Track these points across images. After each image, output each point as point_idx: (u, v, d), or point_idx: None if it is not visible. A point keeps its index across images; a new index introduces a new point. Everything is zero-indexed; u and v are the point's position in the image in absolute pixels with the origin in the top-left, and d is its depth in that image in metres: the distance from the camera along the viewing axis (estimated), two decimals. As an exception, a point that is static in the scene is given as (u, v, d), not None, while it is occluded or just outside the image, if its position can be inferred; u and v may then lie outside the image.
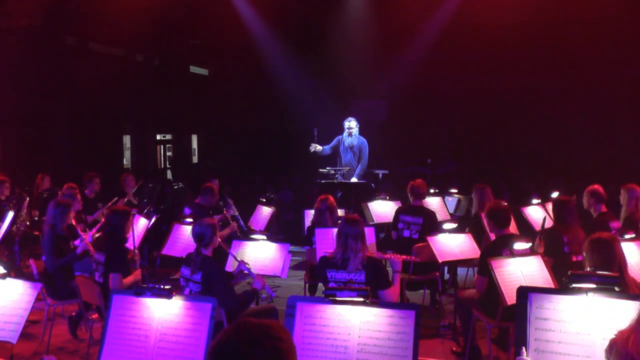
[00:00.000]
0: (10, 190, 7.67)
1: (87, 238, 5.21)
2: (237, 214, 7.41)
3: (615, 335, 2.18)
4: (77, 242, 5.33)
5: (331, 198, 5.98)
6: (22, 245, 7.29)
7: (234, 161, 17.37)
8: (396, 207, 6.56)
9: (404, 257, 4.24)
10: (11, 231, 6.72)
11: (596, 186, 5.84)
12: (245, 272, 4.47)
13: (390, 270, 4.15)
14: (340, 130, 9.30)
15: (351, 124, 9.14)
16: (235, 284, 6.38)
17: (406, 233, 6.05)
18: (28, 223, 7.52)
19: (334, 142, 9.30)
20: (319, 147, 9.18)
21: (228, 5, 12.61)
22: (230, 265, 4.91)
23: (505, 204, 5.17)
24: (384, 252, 4.38)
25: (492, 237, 4.87)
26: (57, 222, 5.32)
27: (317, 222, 5.85)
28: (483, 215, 6.10)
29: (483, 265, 4.39)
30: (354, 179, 8.93)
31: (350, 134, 9.10)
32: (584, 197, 5.83)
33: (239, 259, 4.62)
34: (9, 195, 7.53)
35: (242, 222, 7.30)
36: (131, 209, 5.52)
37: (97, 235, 5.38)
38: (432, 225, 5.99)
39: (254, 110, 17.21)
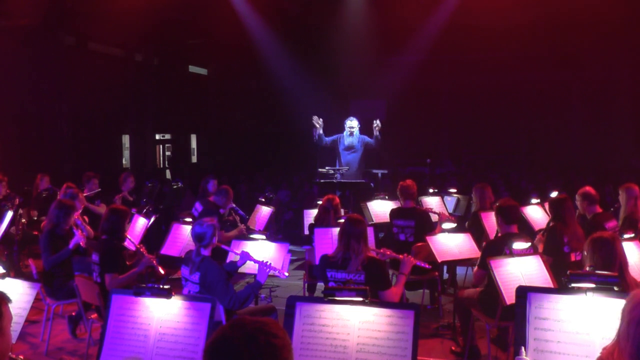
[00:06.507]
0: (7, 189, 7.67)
1: (79, 232, 5.22)
2: (235, 206, 7.38)
3: (601, 353, 2.21)
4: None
5: (337, 199, 6.02)
6: (21, 245, 7.28)
7: (233, 161, 17.36)
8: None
9: (416, 261, 4.19)
10: (10, 231, 6.72)
11: (587, 188, 5.83)
12: (250, 261, 4.42)
13: (391, 270, 4.14)
14: (340, 129, 9.30)
15: (352, 123, 9.13)
16: (235, 283, 6.38)
17: (401, 237, 6.04)
18: (24, 220, 7.51)
19: (334, 137, 9.28)
20: (320, 123, 9.08)
21: (227, 5, 12.61)
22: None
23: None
24: (399, 252, 4.33)
25: (499, 234, 4.85)
26: (60, 222, 5.32)
27: (320, 220, 5.87)
28: (482, 214, 6.13)
29: (484, 259, 4.37)
30: (377, 125, 8.88)
31: (351, 133, 9.10)
32: (577, 201, 5.82)
33: (239, 252, 4.59)
34: (6, 194, 7.52)
35: (241, 212, 7.29)
36: (130, 208, 5.51)
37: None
38: (425, 226, 5.97)
39: (253, 110, 17.21)
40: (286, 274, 4.52)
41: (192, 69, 18.21)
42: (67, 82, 12.42)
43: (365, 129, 9.39)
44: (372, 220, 6.95)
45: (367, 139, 9.15)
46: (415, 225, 6.00)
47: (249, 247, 5.02)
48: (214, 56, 17.28)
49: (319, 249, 5.21)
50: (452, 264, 6.20)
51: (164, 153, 17.88)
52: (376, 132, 8.95)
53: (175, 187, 10.25)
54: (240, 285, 6.59)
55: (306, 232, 6.48)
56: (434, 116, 17.04)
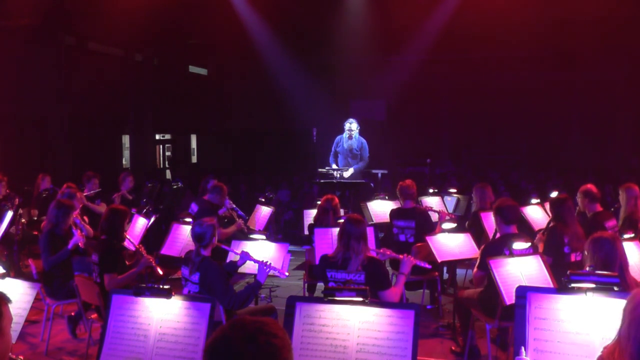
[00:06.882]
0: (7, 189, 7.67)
1: (78, 233, 5.22)
2: (235, 206, 7.37)
3: (602, 351, 2.21)
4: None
5: (337, 199, 6.02)
6: (21, 245, 7.28)
7: (233, 161, 17.36)
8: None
9: (416, 261, 4.19)
10: (10, 231, 6.71)
11: (589, 186, 5.83)
12: (250, 261, 4.41)
13: (390, 270, 4.13)
14: (340, 130, 9.30)
15: (352, 125, 9.11)
16: (235, 283, 6.38)
17: (402, 237, 6.03)
18: (24, 220, 7.50)
19: (334, 146, 9.28)
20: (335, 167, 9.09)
21: (227, 5, 12.61)
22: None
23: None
24: (399, 253, 4.32)
25: (497, 235, 4.84)
26: (59, 222, 5.32)
27: (319, 220, 5.87)
28: (482, 214, 6.13)
29: (483, 260, 4.37)
30: (350, 171, 8.88)
31: (350, 137, 9.09)
32: (578, 198, 5.82)
33: (239, 251, 4.59)
34: (6, 194, 7.52)
35: (241, 212, 7.28)
36: (130, 208, 5.51)
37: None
38: (425, 226, 5.96)
39: (253, 110, 17.20)
40: (286, 274, 4.51)
41: (192, 69, 18.20)
42: (67, 82, 12.42)
43: (364, 130, 9.40)
44: (372, 220, 6.95)
45: (365, 148, 9.14)
46: (415, 225, 5.99)
47: (249, 247, 5.01)
48: (214, 56, 17.27)
49: (318, 249, 5.21)
50: (452, 264, 6.19)
51: (164, 153, 17.89)
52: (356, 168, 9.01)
53: (175, 187, 10.25)
54: (240, 285, 6.59)
55: (306, 232, 6.48)
56: (434, 116, 17.03)
